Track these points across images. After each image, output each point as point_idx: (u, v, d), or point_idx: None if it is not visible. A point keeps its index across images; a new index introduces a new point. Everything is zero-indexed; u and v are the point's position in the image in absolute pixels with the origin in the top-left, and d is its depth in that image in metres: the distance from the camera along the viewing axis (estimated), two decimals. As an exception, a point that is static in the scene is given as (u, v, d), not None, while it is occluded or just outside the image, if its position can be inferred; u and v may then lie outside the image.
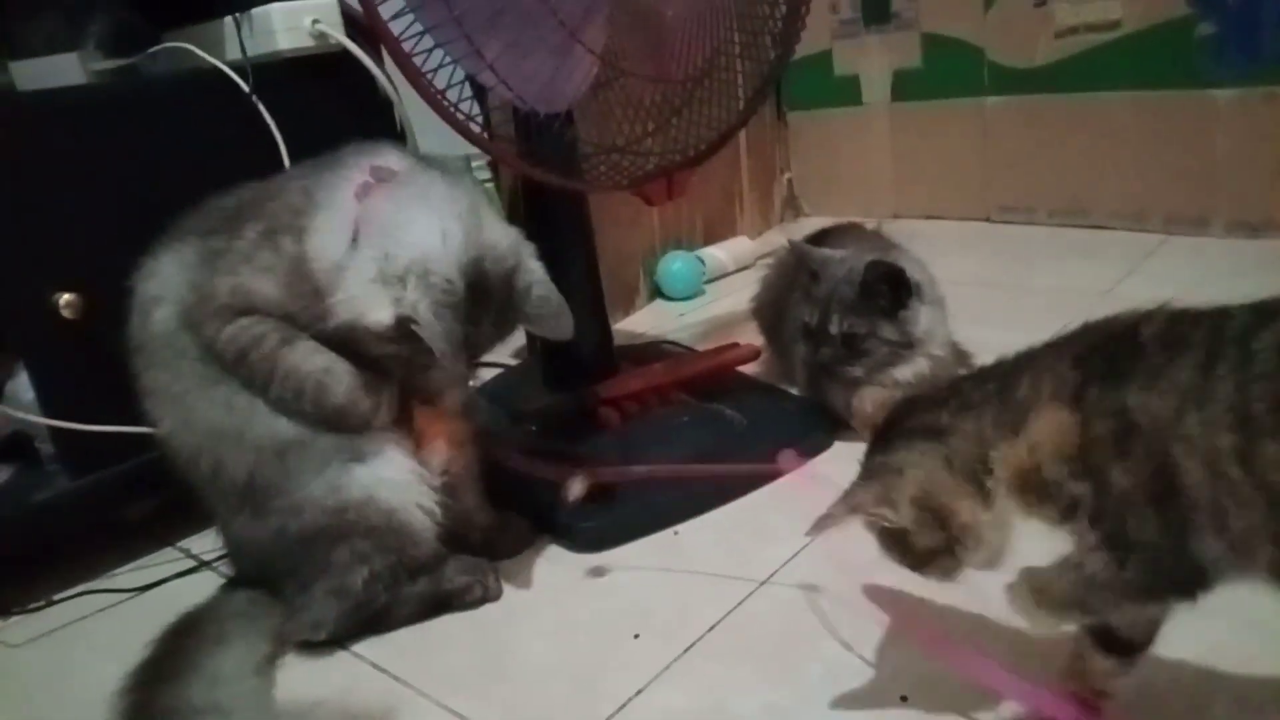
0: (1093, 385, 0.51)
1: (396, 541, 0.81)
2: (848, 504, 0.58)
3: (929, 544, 0.57)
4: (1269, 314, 0.48)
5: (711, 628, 0.78)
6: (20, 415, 0.94)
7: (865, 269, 1.00)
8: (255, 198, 0.80)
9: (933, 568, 0.58)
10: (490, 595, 0.85)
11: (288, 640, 0.80)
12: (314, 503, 0.79)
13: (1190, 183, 1.59)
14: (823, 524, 0.58)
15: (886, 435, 0.61)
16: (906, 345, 1.01)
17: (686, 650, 0.76)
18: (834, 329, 1.01)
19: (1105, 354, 0.52)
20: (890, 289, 1.00)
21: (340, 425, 0.79)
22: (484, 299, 0.76)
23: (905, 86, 1.91)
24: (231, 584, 0.90)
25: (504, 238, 0.79)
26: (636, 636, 0.79)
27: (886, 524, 0.57)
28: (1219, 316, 0.50)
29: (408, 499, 0.81)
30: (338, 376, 0.78)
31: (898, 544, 0.58)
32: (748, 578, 0.84)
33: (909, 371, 1.02)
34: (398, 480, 0.81)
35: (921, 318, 1.02)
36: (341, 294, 0.75)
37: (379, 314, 0.73)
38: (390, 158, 0.79)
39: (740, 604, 0.81)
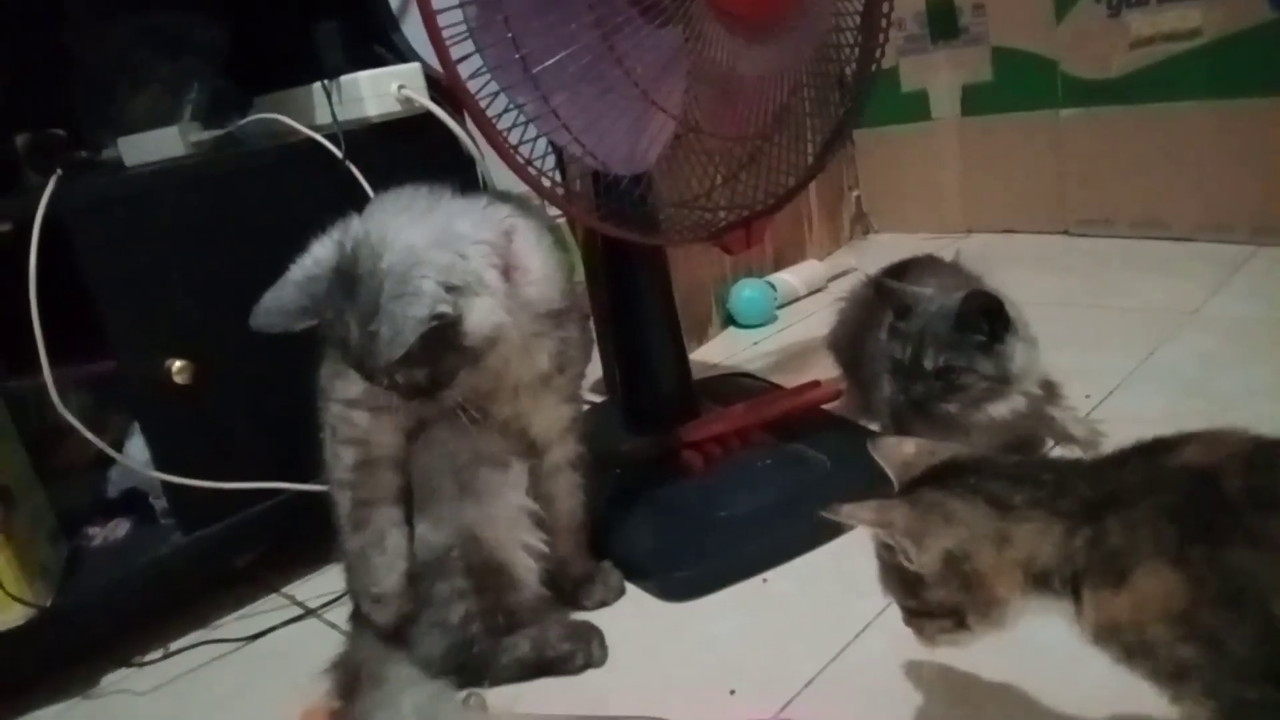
0: (1195, 544, 0.50)
1: (495, 582, 0.84)
2: (879, 515, 0.56)
3: (943, 599, 0.56)
4: None
5: (809, 682, 0.79)
6: (139, 469, 1.00)
7: (963, 300, 0.99)
8: None
9: (930, 625, 0.58)
10: (594, 662, 0.86)
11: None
12: (421, 538, 0.83)
13: (1277, 192, 1.53)
14: (843, 514, 0.57)
15: (945, 476, 0.59)
16: (1003, 381, 1.00)
17: (784, 707, 0.77)
18: (929, 364, 1.00)
19: (1199, 510, 0.51)
20: (988, 321, 0.99)
21: None
22: (349, 285, 0.74)
23: (975, 100, 1.88)
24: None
25: (399, 240, 0.74)
26: (733, 692, 0.80)
27: (905, 562, 0.55)
28: None
29: (512, 537, 0.84)
30: None
31: (906, 584, 0.57)
32: (844, 628, 0.84)
33: (1005, 409, 1.00)
34: (504, 518, 0.84)
35: (1017, 353, 1.00)
36: None
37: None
38: None
39: (837, 656, 0.82)
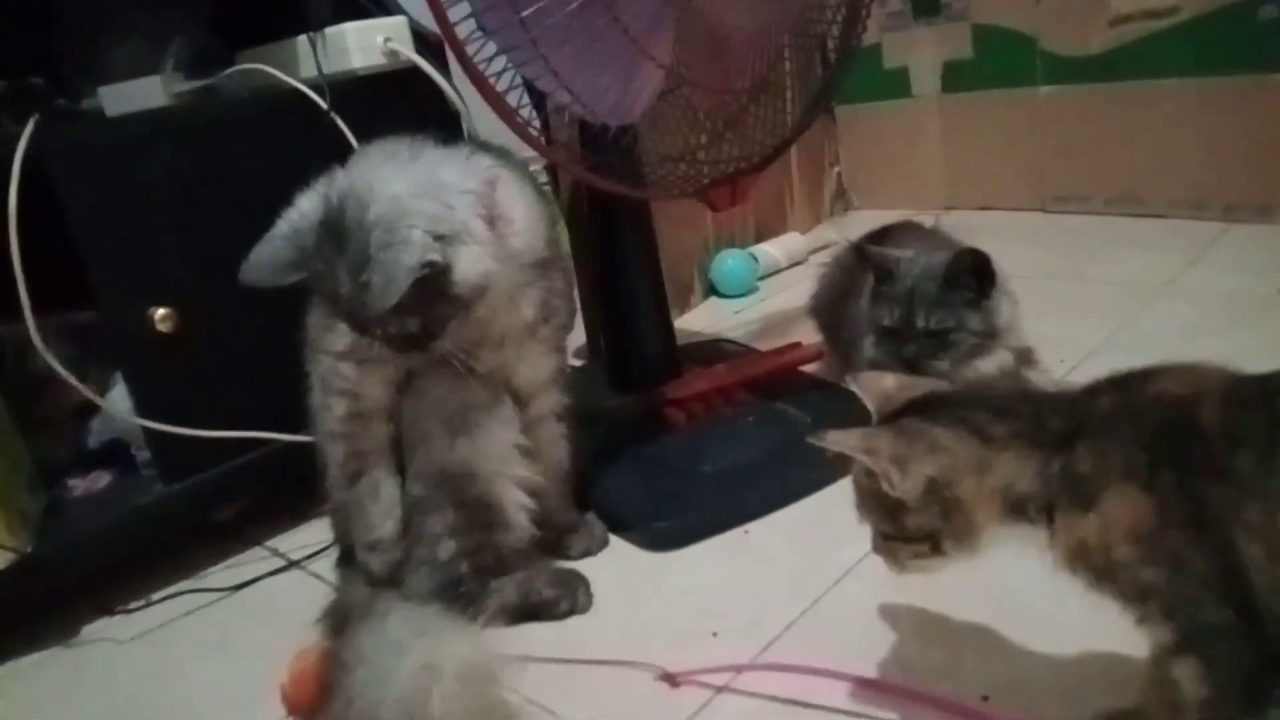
0: (1164, 469, 0.52)
1: (486, 519, 0.85)
2: (865, 442, 0.57)
3: (921, 525, 0.57)
4: None
5: (789, 625, 0.81)
6: (122, 417, 0.99)
7: (954, 257, 1.02)
8: None
9: (904, 550, 0.59)
10: (578, 609, 0.87)
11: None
12: (413, 477, 0.84)
13: (1252, 170, 1.56)
14: (829, 440, 0.58)
15: (930, 407, 0.60)
16: (990, 336, 1.03)
17: (765, 649, 0.78)
18: (920, 324, 1.03)
19: (1172, 438, 0.52)
20: (976, 279, 1.02)
21: None
22: (338, 242, 0.74)
23: (956, 77, 1.90)
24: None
25: (393, 193, 0.74)
26: (715, 635, 0.81)
27: (887, 488, 0.56)
28: (1270, 398, 0.51)
29: (504, 471, 0.85)
30: None
31: (885, 510, 0.58)
32: (822, 576, 0.86)
33: (992, 364, 1.03)
34: (496, 452, 0.85)
35: (1002, 308, 1.04)
36: None
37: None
38: None
39: (816, 601, 0.83)
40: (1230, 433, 0.51)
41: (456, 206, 0.76)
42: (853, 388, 0.65)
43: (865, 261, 1.12)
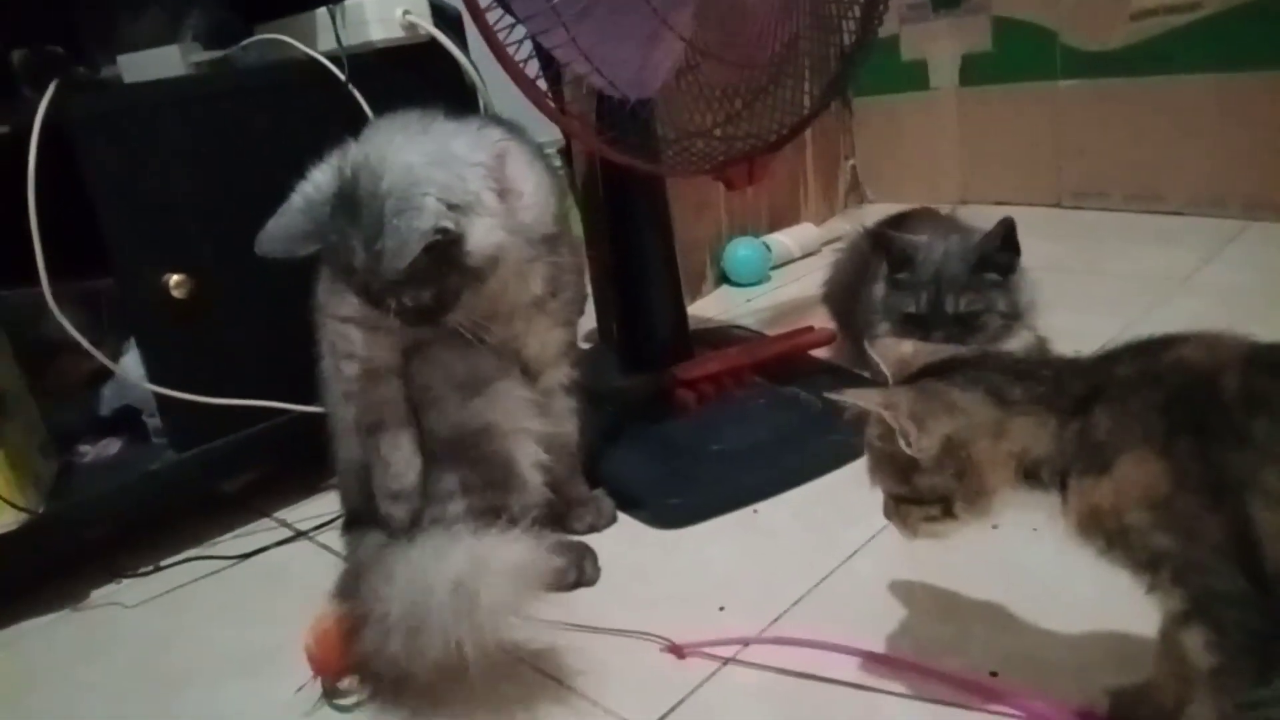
0: (1182, 435, 0.51)
1: (501, 478, 0.85)
2: (885, 397, 0.57)
3: (934, 486, 0.57)
4: None
5: (797, 601, 0.80)
6: (134, 382, 0.99)
7: (993, 228, 1.04)
8: None
9: (916, 513, 0.59)
10: (585, 580, 0.87)
11: None
12: (429, 434, 0.85)
13: (1272, 167, 1.55)
14: (849, 395, 0.58)
15: (949, 370, 0.60)
16: (1015, 317, 1.04)
17: (773, 623, 0.78)
18: (950, 309, 1.03)
19: (1190, 404, 0.52)
20: (1005, 254, 1.03)
21: None
22: (353, 212, 0.74)
23: (974, 70, 1.89)
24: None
25: (405, 163, 0.74)
26: (722, 609, 0.81)
27: (904, 446, 0.56)
28: None
29: (518, 425, 0.85)
30: None
31: (899, 471, 0.58)
32: (831, 554, 0.86)
33: (1018, 344, 1.04)
34: (510, 408, 0.86)
35: (1025, 287, 1.05)
36: None
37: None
38: None
39: (825, 579, 0.83)
40: (1249, 399, 0.50)
41: (468, 178, 0.76)
42: (870, 353, 0.65)
43: (882, 248, 1.12)
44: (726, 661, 0.74)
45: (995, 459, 0.56)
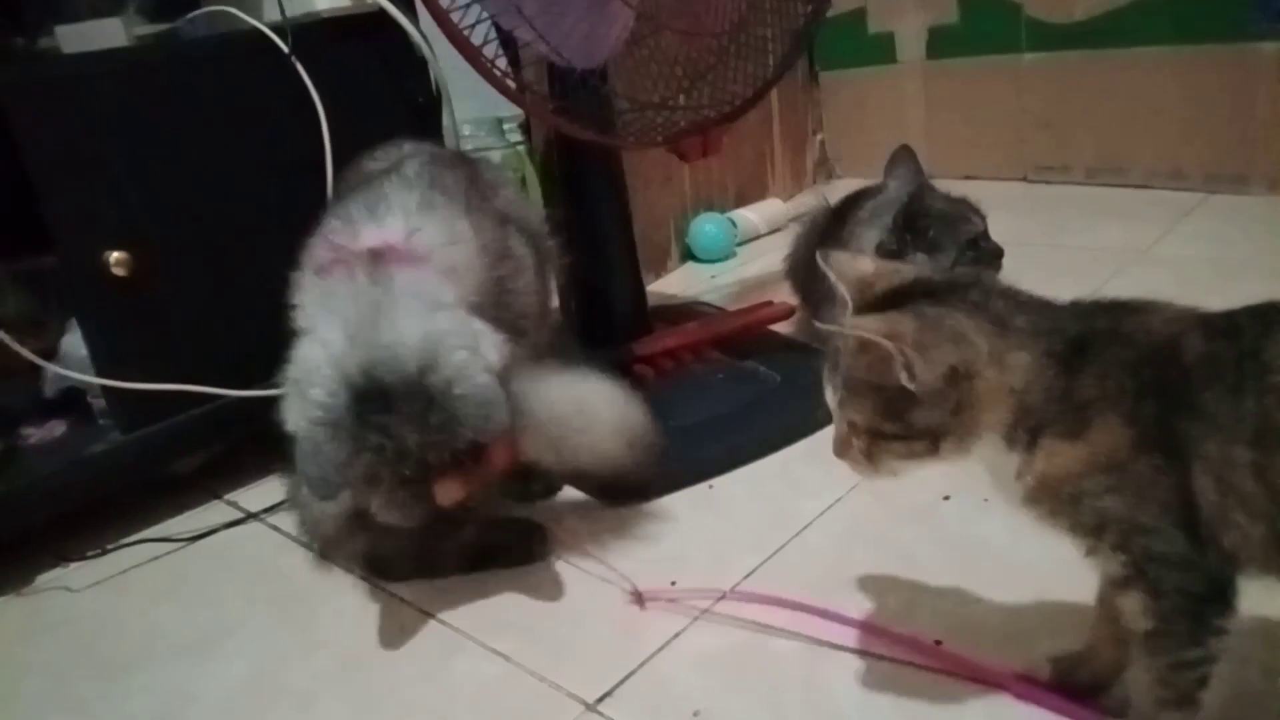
0: (1146, 399, 0.50)
1: None
2: (888, 325, 0.52)
3: (929, 420, 0.52)
4: (1273, 320, 0.49)
5: (748, 575, 0.80)
6: (70, 374, 0.97)
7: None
8: None
9: (889, 451, 0.55)
10: (535, 557, 0.86)
11: None
12: None
13: (1231, 140, 1.56)
14: (848, 325, 0.54)
15: (940, 292, 0.54)
16: None
17: (721, 599, 0.78)
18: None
19: (1155, 368, 0.51)
20: None
21: None
22: (385, 409, 0.69)
23: (940, 44, 1.88)
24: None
25: (414, 334, 0.71)
26: (673, 583, 0.80)
27: (905, 379, 0.51)
28: (1240, 331, 0.50)
29: None
30: None
31: (889, 405, 0.53)
32: (784, 528, 0.85)
33: None
34: None
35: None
36: (282, 385, 0.75)
37: (289, 423, 0.73)
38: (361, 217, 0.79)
39: (776, 553, 0.83)
40: (1207, 365, 0.50)
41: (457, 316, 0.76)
42: (825, 270, 0.59)
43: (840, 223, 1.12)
44: (678, 634, 0.74)
45: (996, 393, 0.52)
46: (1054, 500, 0.53)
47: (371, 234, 0.78)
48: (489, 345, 0.74)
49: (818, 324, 1.17)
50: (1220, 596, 0.50)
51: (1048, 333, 0.53)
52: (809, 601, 0.72)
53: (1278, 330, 0.49)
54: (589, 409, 0.81)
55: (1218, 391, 0.49)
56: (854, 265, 0.59)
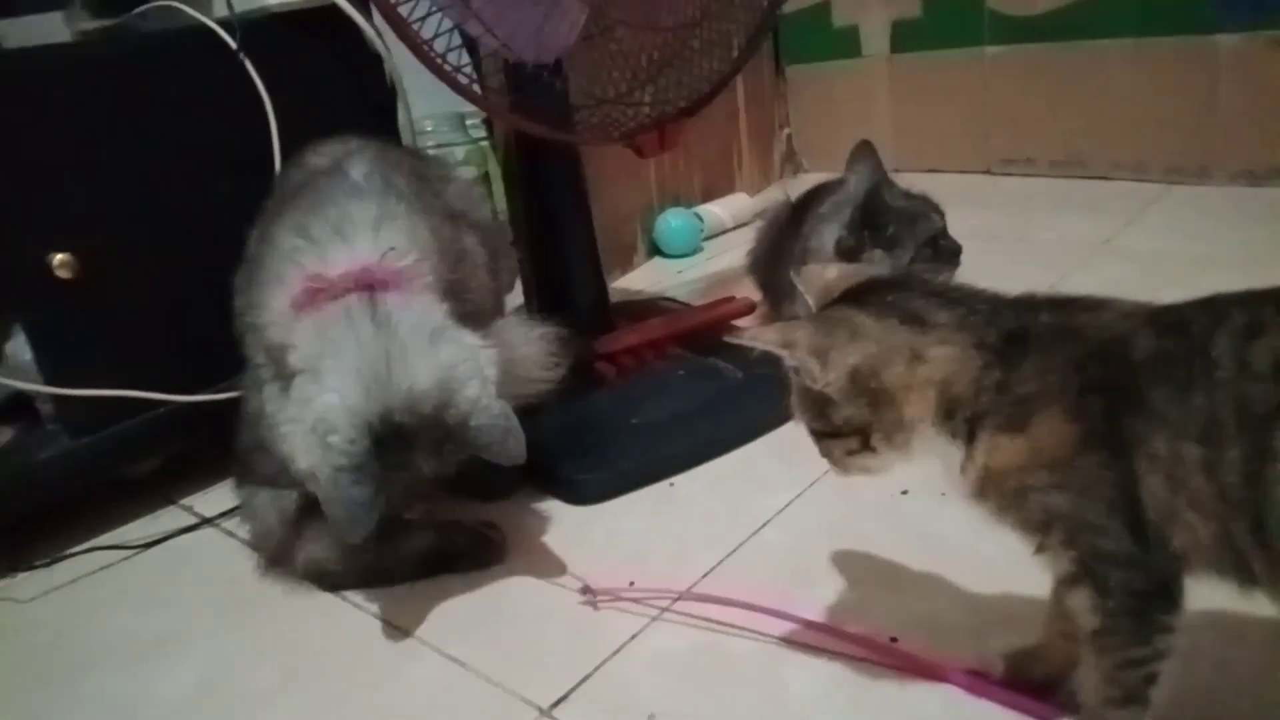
0: (1091, 394, 0.50)
1: None
2: (782, 335, 0.54)
3: (849, 418, 0.54)
4: (1221, 314, 0.48)
5: (706, 574, 0.79)
6: (12, 383, 0.95)
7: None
8: None
9: (837, 447, 0.56)
10: (490, 562, 0.84)
11: None
12: None
13: (1192, 132, 1.57)
14: (746, 336, 0.56)
15: (861, 294, 0.57)
16: None
17: (677, 599, 0.77)
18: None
19: (1103, 364, 0.50)
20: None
21: None
22: (405, 446, 0.72)
23: (905, 37, 1.89)
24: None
25: (426, 375, 0.72)
26: (632, 583, 0.79)
27: (809, 382, 0.54)
28: (1188, 326, 0.50)
29: None
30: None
31: (814, 405, 0.55)
32: (743, 525, 0.85)
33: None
34: None
35: None
36: (284, 422, 0.74)
37: (302, 462, 0.73)
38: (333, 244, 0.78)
39: (734, 551, 0.82)
40: (1156, 362, 0.50)
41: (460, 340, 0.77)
42: (796, 283, 0.61)
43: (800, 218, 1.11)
44: (634, 636, 0.73)
45: (912, 385, 0.53)
46: (1000, 495, 0.53)
47: (342, 258, 0.77)
48: (488, 361, 0.76)
49: (779, 317, 1.18)
50: (1166, 595, 0.50)
51: (978, 326, 0.53)
52: (761, 602, 0.71)
53: (1226, 325, 0.48)
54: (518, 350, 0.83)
55: (1166, 389, 0.48)
56: (819, 275, 0.61)
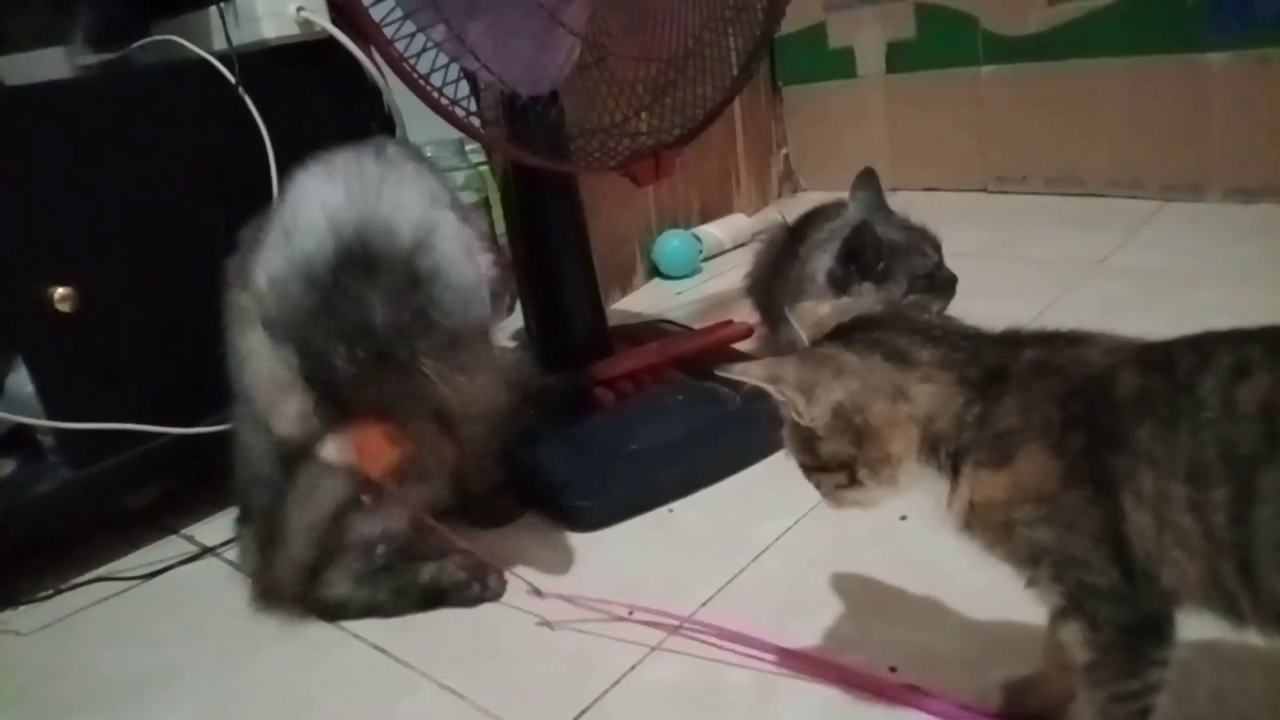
0: (1074, 430, 0.50)
1: None
2: (769, 370, 0.55)
3: (835, 453, 0.55)
4: (1208, 353, 0.48)
5: (704, 604, 0.79)
6: (11, 418, 0.95)
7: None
8: None
9: (826, 480, 0.57)
10: (488, 595, 0.84)
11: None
12: None
13: (1185, 149, 1.58)
14: (734, 371, 0.57)
15: (853, 330, 0.58)
16: None
17: (680, 626, 0.77)
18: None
19: (1086, 400, 0.51)
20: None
21: None
22: (367, 278, 0.68)
23: (899, 58, 1.90)
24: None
25: (413, 212, 0.70)
26: (630, 613, 0.80)
27: (795, 417, 0.55)
28: (1174, 364, 0.49)
29: None
30: None
31: (802, 439, 0.56)
32: (742, 553, 0.85)
33: None
34: None
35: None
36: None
37: (261, 278, 0.71)
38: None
39: (732, 580, 0.82)
40: (1140, 399, 0.50)
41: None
42: (791, 321, 0.62)
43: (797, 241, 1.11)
44: (633, 667, 0.73)
45: (895, 422, 0.54)
46: (987, 529, 0.53)
47: None
48: (481, 254, 0.73)
49: (777, 340, 1.18)
50: (1156, 630, 0.50)
51: (960, 364, 0.54)
52: (755, 634, 0.71)
53: (1213, 365, 0.48)
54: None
55: (1151, 427, 0.49)
56: (813, 312, 0.62)
